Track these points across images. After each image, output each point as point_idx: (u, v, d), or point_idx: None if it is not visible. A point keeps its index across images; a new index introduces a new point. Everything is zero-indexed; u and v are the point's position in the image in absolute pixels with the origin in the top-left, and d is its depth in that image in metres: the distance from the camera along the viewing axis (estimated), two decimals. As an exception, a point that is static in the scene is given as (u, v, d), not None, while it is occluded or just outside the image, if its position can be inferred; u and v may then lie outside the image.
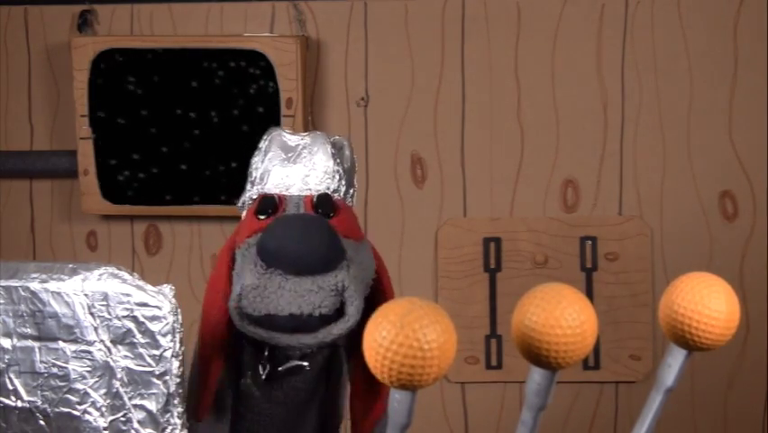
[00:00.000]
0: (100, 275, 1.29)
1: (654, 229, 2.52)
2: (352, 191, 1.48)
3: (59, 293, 1.30)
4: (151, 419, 1.29)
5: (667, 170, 2.51)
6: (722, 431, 2.54)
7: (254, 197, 1.46)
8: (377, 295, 1.44)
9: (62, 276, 1.30)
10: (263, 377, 1.43)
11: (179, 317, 1.28)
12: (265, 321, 1.34)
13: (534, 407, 1.30)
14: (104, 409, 1.30)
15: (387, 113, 2.54)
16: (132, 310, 1.28)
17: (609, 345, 2.51)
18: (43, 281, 1.30)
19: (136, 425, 1.29)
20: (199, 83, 2.47)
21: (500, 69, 2.51)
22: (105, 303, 1.28)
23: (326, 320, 1.34)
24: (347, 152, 1.48)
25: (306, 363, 1.43)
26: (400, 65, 2.52)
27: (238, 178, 2.50)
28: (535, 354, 1.22)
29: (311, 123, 2.53)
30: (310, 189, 1.43)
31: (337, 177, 1.44)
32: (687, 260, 2.49)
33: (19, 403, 1.32)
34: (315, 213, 1.40)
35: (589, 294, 2.50)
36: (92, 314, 1.29)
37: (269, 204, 1.42)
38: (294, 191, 1.43)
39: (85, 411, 1.31)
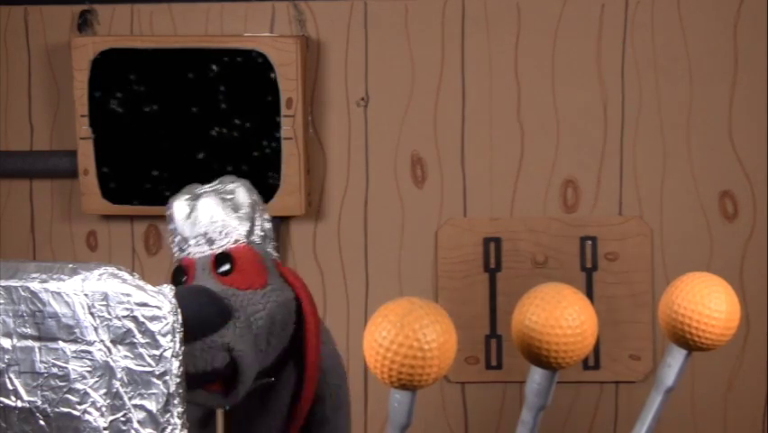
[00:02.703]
0: (100, 275, 1.29)
1: (654, 229, 2.52)
2: (257, 229, 1.61)
3: (59, 293, 1.29)
4: (151, 419, 1.29)
5: (667, 170, 2.51)
6: (722, 431, 2.54)
7: (174, 267, 1.62)
8: (300, 318, 1.61)
9: (62, 276, 1.30)
10: None
11: (179, 317, 1.28)
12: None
13: (534, 407, 1.31)
14: (104, 409, 1.30)
15: (387, 113, 2.54)
16: (132, 310, 1.28)
17: (609, 345, 2.51)
18: (43, 281, 1.30)
19: (136, 425, 1.29)
20: (199, 83, 2.47)
21: (500, 69, 2.51)
22: (105, 303, 1.28)
23: (225, 373, 1.47)
24: (242, 197, 1.61)
25: (272, 378, 1.59)
26: (400, 65, 2.52)
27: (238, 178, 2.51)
28: (535, 354, 1.22)
29: (311, 123, 2.53)
30: (212, 248, 1.58)
31: (233, 227, 1.59)
32: (687, 260, 2.49)
33: (19, 403, 1.32)
34: (215, 272, 1.55)
35: (589, 294, 2.50)
36: (92, 314, 1.29)
37: (179, 275, 1.59)
38: (198, 255, 1.58)
39: (85, 411, 1.31)
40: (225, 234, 1.59)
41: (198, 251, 1.59)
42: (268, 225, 1.64)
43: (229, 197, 1.61)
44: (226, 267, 1.56)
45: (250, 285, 1.54)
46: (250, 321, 1.51)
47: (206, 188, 1.64)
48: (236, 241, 1.58)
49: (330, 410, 1.68)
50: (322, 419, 1.67)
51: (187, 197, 1.63)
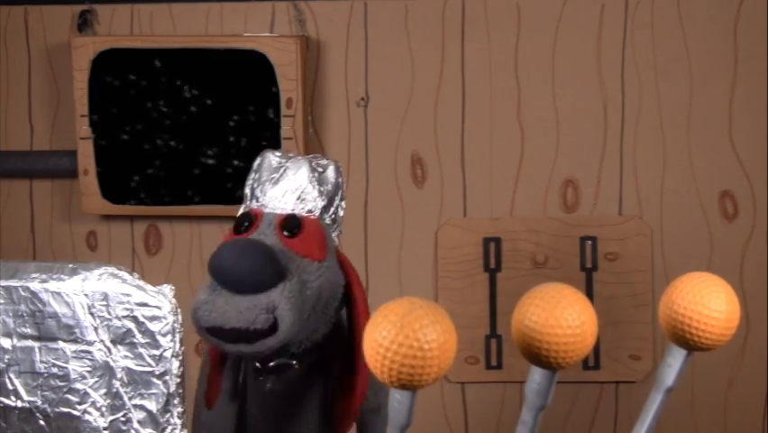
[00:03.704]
0: (100, 275, 1.29)
1: (654, 229, 2.52)
2: (332, 211, 1.64)
3: (59, 293, 1.30)
4: (151, 419, 1.29)
5: (667, 170, 2.51)
6: (722, 431, 2.54)
7: (241, 212, 1.62)
8: (349, 305, 1.61)
9: (62, 276, 1.30)
10: (255, 372, 1.59)
11: (179, 317, 1.28)
12: (213, 331, 1.47)
13: (534, 407, 1.30)
14: (104, 409, 1.30)
15: (387, 113, 2.54)
16: (132, 310, 1.28)
17: (609, 345, 2.51)
18: (43, 281, 1.30)
19: (136, 425, 1.29)
20: (199, 83, 2.47)
21: (500, 69, 2.51)
22: (105, 303, 1.28)
23: (264, 334, 1.47)
24: (330, 174, 1.63)
25: (293, 362, 1.58)
26: (400, 65, 2.52)
27: (238, 178, 2.51)
28: (535, 354, 1.22)
29: (311, 123, 2.53)
30: (284, 208, 1.58)
31: (312, 197, 1.60)
32: (687, 260, 2.49)
33: (19, 403, 1.32)
34: (281, 231, 1.55)
35: (589, 294, 2.50)
36: (92, 314, 1.29)
37: (244, 220, 1.58)
38: (270, 209, 1.58)
39: (85, 411, 1.31)
40: (302, 200, 1.59)
41: (271, 205, 1.59)
42: (341, 213, 1.66)
43: (320, 169, 1.62)
44: (293, 231, 1.56)
45: (309, 254, 1.55)
46: (300, 288, 1.50)
47: (300, 155, 1.65)
48: (309, 211, 1.59)
49: (367, 412, 1.67)
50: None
51: (280, 154, 1.63)
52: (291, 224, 1.56)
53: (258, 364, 1.58)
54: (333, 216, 1.64)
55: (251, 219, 1.57)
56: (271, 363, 1.57)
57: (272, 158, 1.62)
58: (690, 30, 2.47)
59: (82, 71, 2.48)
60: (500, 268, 2.53)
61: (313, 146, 2.53)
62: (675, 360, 1.37)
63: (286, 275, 1.50)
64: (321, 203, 1.60)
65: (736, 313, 1.32)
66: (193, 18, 2.54)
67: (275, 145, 2.46)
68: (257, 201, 1.60)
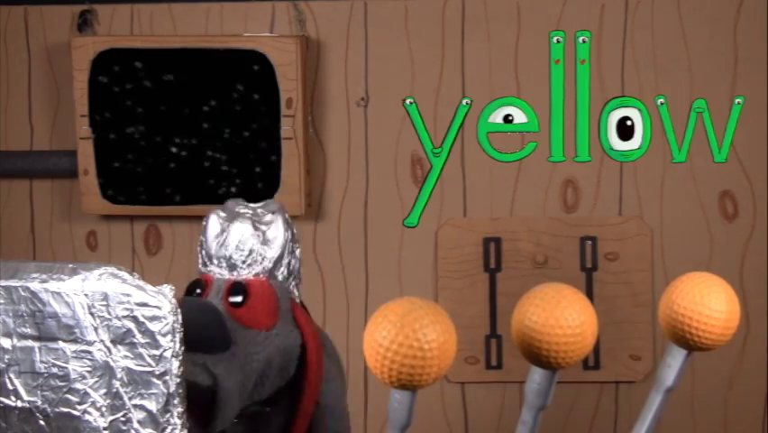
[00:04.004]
0: (100, 275, 1.29)
1: (654, 229, 2.52)
2: (283, 267, 1.57)
3: (59, 293, 1.29)
4: (151, 419, 1.29)
5: (667, 170, 2.51)
6: (722, 431, 2.54)
7: (199, 275, 1.58)
8: (302, 365, 1.57)
9: (62, 276, 1.30)
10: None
11: (179, 317, 1.28)
12: None
13: (534, 407, 1.31)
14: (104, 409, 1.30)
15: (387, 113, 2.54)
16: (132, 310, 1.28)
17: (609, 345, 2.51)
18: (43, 281, 1.30)
19: (136, 425, 1.29)
20: (199, 83, 2.47)
21: (500, 69, 2.51)
22: (105, 303, 1.28)
23: (201, 395, 1.43)
24: (276, 230, 1.57)
25: (267, 409, 1.56)
26: (400, 65, 2.52)
27: (238, 178, 2.51)
28: (535, 354, 1.22)
29: (311, 123, 2.53)
30: (231, 274, 1.54)
31: (258, 259, 1.55)
32: (687, 260, 2.49)
33: (19, 403, 1.32)
34: (227, 300, 1.52)
35: (589, 294, 2.50)
36: (92, 314, 1.29)
37: (196, 287, 1.55)
38: (218, 275, 1.55)
39: (85, 411, 1.31)
40: (249, 264, 1.55)
41: (219, 271, 1.55)
42: (295, 264, 1.59)
43: (263, 227, 1.57)
44: (238, 299, 1.52)
45: (255, 324, 1.51)
46: (244, 360, 1.48)
47: (246, 210, 1.59)
48: (257, 274, 1.55)
49: None
50: None
51: (224, 215, 1.58)
52: (237, 291, 1.53)
53: None
54: (285, 271, 1.58)
55: (201, 286, 1.55)
56: (247, 412, 1.54)
57: (215, 220, 1.58)
58: (690, 30, 2.47)
59: (82, 71, 2.48)
60: (500, 268, 2.53)
61: (313, 146, 2.53)
62: (675, 360, 1.37)
63: (230, 346, 1.47)
64: (268, 263, 1.55)
65: (736, 313, 1.33)
66: (193, 18, 2.54)
67: (275, 145, 2.46)
68: (205, 267, 1.57)
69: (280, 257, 1.57)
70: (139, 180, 2.51)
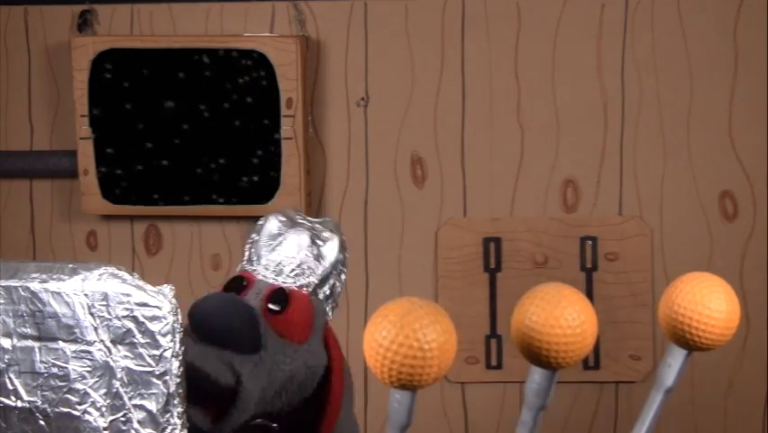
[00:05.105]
0: (100, 275, 1.29)
1: (654, 229, 2.52)
2: (327, 287, 1.57)
3: (59, 293, 1.29)
4: (151, 419, 1.29)
5: (667, 170, 2.51)
6: (722, 431, 2.54)
7: (238, 271, 1.57)
8: (324, 387, 1.55)
9: (62, 276, 1.30)
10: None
11: (179, 317, 1.28)
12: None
13: (534, 407, 1.31)
14: (104, 409, 1.30)
15: (387, 113, 2.54)
16: (132, 310, 1.28)
17: (609, 345, 2.51)
18: (43, 281, 1.30)
19: (136, 425, 1.29)
20: (199, 83, 2.47)
21: (500, 69, 2.51)
22: (105, 303, 1.28)
23: (221, 394, 1.42)
24: (331, 249, 1.57)
25: (274, 425, 1.52)
26: (400, 65, 2.52)
27: (238, 178, 2.51)
28: (535, 354, 1.22)
29: (311, 123, 2.53)
30: (276, 280, 1.53)
31: (307, 273, 1.54)
32: (687, 260, 2.49)
33: (19, 403, 1.32)
34: (266, 304, 1.50)
35: (589, 294, 2.50)
36: (92, 314, 1.29)
37: (235, 284, 1.53)
38: (262, 276, 1.53)
39: (85, 411, 1.31)
40: (296, 274, 1.54)
41: (264, 274, 1.53)
42: (339, 288, 1.59)
43: (320, 243, 1.56)
44: (276, 307, 1.50)
45: (289, 335, 1.50)
46: (270, 368, 1.46)
47: (305, 221, 1.59)
48: (301, 286, 1.53)
49: None
50: None
51: (284, 219, 1.57)
52: (278, 298, 1.51)
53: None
54: (328, 291, 1.57)
55: (242, 284, 1.53)
56: (253, 423, 1.51)
57: (274, 223, 1.56)
58: (690, 30, 2.47)
59: (82, 71, 2.48)
60: (500, 268, 2.53)
61: (313, 146, 2.53)
62: (675, 360, 1.37)
63: (260, 349, 1.45)
64: (315, 279, 1.55)
65: (736, 313, 1.32)
66: (193, 18, 2.54)
67: (275, 145, 2.46)
68: (251, 265, 1.55)
69: (327, 276, 1.56)
70: (139, 180, 2.51)
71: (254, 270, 1.54)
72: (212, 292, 1.49)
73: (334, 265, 1.57)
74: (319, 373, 1.54)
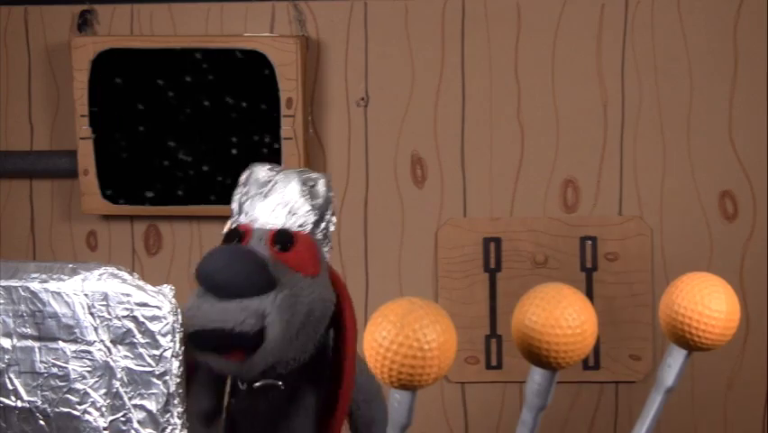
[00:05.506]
0: (100, 275, 1.29)
1: (654, 229, 2.52)
2: (323, 226, 1.58)
3: (59, 293, 1.29)
4: (151, 419, 1.29)
5: (667, 170, 2.51)
6: (722, 431, 2.54)
7: (229, 227, 1.58)
8: (338, 323, 1.57)
9: (62, 276, 1.30)
10: (242, 390, 1.55)
11: (179, 317, 1.28)
12: (196, 338, 1.43)
13: (534, 407, 1.31)
14: (104, 409, 1.30)
15: (387, 113, 2.54)
16: (132, 310, 1.28)
17: (609, 345, 2.51)
18: (43, 281, 1.30)
19: (136, 425, 1.29)
20: (199, 83, 2.47)
21: (500, 69, 2.51)
22: (105, 303, 1.28)
23: (249, 342, 1.44)
24: (321, 188, 1.58)
25: (279, 383, 1.54)
26: (400, 65, 2.52)
27: (238, 178, 2.51)
28: (535, 354, 1.22)
29: (311, 123, 2.53)
30: (275, 224, 1.54)
31: (303, 212, 1.56)
32: (687, 260, 2.49)
33: (19, 403, 1.32)
34: (273, 246, 1.52)
35: (589, 294, 2.50)
36: (92, 314, 1.29)
37: (233, 236, 1.55)
38: (260, 225, 1.55)
39: (85, 411, 1.31)
40: (293, 214, 1.55)
41: (261, 221, 1.55)
42: (332, 228, 1.61)
43: (310, 183, 1.58)
44: (285, 243, 1.52)
45: (302, 268, 1.52)
46: (291, 301, 1.47)
47: (290, 168, 1.62)
48: (300, 226, 1.55)
49: (362, 426, 1.65)
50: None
51: (270, 167, 1.60)
52: (283, 238, 1.53)
53: (242, 386, 1.55)
54: (324, 231, 1.59)
55: (240, 235, 1.54)
56: (257, 384, 1.53)
57: (261, 171, 1.59)
58: (690, 30, 2.47)
59: (82, 71, 2.48)
60: (500, 268, 2.53)
61: (313, 146, 2.53)
62: (675, 360, 1.37)
63: (277, 285, 1.47)
64: (312, 217, 1.56)
65: (736, 313, 1.32)
66: (193, 18, 2.54)
67: (275, 145, 2.46)
68: (245, 216, 1.57)
69: (322, 215, 1.58)
70: (139, 180, 2.52)
71: (250, 220, 1.56)
72: (206, 253, 1.49)
73: (326, 203, 1.59)
74: (331, 310, 1.56)
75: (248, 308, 1.43)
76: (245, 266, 1.46)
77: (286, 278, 1.49)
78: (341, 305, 1.58)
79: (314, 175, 1.59)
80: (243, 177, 1.60)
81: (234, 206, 1.59)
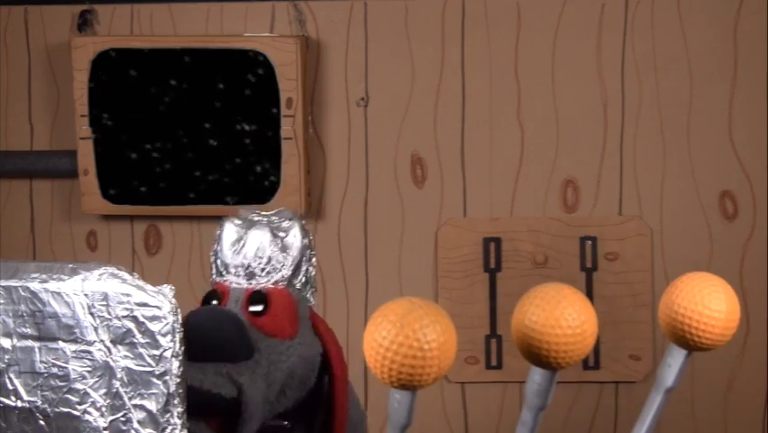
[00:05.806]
0: (100, 275, 1.29)
1: (654, 229, 2.52)
2: (301, 275, 1.55)
3: (59, 293, 1.29)
4: (151, 419, 1.29)
5: (667, 170, 2.51)
6: (722, 431, 2.54)
7: (212, 285, 1.56)
8: (328, 370, 1.56)
9: (62, 276, 1.30)
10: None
11: (179, 317, 1.28)
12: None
13: (534, 407, 1.31)
14: (104, 409, 1.30)
15: (387, 113, 2.54)
16: (132, 310, 1.28)
17: (609, 345, 2.51)
18: (43, 281, 1.30)
19: (136, 425, 1.29)
20: (199, 83, 2.47)
21: (500, 69, 2.51)
22: (105, 303, 1.28)
23: (225, 407, 1.42)
24: (294, 237, 1.54)
25: (285, 423, 1.53)
26: (400, 65, 2.52)
27: (238, 178, 2.52)
28: (535, 354, 1.22)
29: (311, 123, 2.53)
30: (250, 283, 1.52)
31: (278, 267, 1.53)
32: (687, 260, 2.49)
33: (19, 403, 1.32)
34: (247, 309, 1.50)
35: (589, 294, 2.50)
36: (92, 314, 1.29)
37: (212, 297, 1.53)
38: (236, 284, 1.53)
39: (85, 411, 1.31)
40: (267, 272, 1.53)
41: (236, 281, 1.53)
42: (313, 272, 1.58)
43: (281, 234, 1.54)
44: (259, 308, 1.50)
45: (278, 333, 1.50)
46: (268, 369, 1.46)
47: (262, 217, 1.57)
48: (276, 282, 1.53)
49: None
50: None
51: (240, 222, 1.56)
52: (258, 300, 1.50)
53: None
54: (303, 279, 1.56)
55: (218, 297, 1.52)
56: (264, 427, 1.51)
57: (231, 228, 1.55)
58: (690, 30, 2.47)
59: (82, 71, 2.48)
60: (500, 268, 2.53)
61: (313, 146, 2.53)
62: (675, 360, 1.37)
63: (253, 355, 1.45)
64: (287, 271, 1.54)
65: (736, 313, 1.32)
66: (193, 18, 2.54)
67: (275, 145, 2.46)
68: (221, 276, 1.55)
69: (299, 265, 1.55)
70: (139, 180, 2.51)
71: (225, 279, 1.54)
72: (192, 310, 1.48)
73: (302, 252, 1.55)
74: (317, 363, 1.54)
75: (225, 373, 1.42)
76: (223, 332, 1.44)
77: (263, 344, 1.47)
78: (327, 354, 1.56)
79: (285, 223, 1.56)
80: (216, 233, 1.57)
81: (212, 266, 1.57)
